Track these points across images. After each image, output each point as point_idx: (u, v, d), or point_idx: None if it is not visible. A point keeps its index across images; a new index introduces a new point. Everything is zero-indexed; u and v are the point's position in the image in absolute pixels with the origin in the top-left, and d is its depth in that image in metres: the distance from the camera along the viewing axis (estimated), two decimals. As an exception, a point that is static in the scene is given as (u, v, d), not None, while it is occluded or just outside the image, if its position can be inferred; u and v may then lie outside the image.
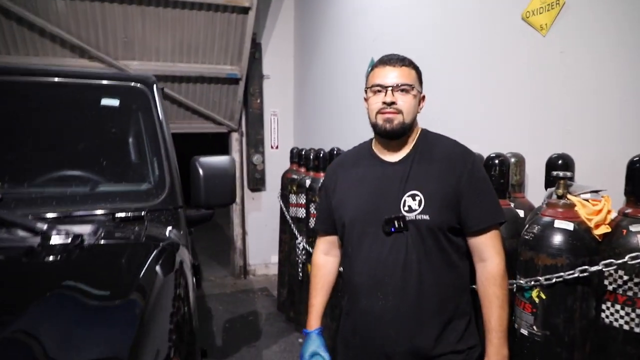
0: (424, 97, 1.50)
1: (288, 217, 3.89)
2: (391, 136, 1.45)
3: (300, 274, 3.56)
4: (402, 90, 1.41)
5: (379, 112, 1.43)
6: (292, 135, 5.45)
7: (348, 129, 3.98)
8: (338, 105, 4.20)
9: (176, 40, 4.36)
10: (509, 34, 2.19)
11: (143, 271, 1.17)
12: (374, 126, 1.47)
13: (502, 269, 1.42)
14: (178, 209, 1.64)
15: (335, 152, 3.31)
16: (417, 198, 1.40)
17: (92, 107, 1.76)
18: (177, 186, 1.68)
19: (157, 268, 1.22)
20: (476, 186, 1.42)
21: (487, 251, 1.42)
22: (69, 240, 1.24)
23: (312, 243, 3.37)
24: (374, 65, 1.49)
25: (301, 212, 3.68)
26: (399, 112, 1.41)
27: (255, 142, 5.23)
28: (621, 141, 1.70)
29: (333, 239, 1.66)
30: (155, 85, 1.89)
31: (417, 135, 1.50)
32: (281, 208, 4.11)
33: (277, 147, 5.43)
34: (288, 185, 3.93)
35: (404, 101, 1.41)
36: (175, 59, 4.46)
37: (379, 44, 3.47)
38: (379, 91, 1.42)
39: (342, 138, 3.93)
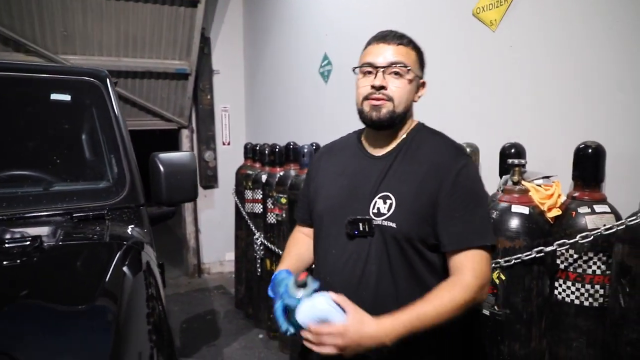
0: (424, 83, 1.32)
1: (244, 213, 3.85)
2: (378, 126, 1.25)
3: (259, 270, 3.54)
4: (396, 73, 1.21)
5: (366, 97, 1.23)
6: (244, 131, 5.39)
7: (302, 124, 3.99)
8: (291, 100, 4.20)
9: (121, 34, 4.18)
10: (460, 29, 2.28)
11: (113, 272, 1.13)
12: (360, 113, 1.27)
13: (470, 285, 1.12)
14: (140, 207, 1.59)
15: (291, 146, 3.31)
16: (389, 201, 1.20)
17: (42, 104, 1.66)
18: (137, 183, 1.62)
19: (126, 268, 1.18)
20: (458, 198, 1.18)
21: (462, 269, 1.15)
22: (27, 243, 1.17)
23: (270, 238, 3.36)
24: (368, 42, 1.29)
25: (258, 208, 3.66)
26: (389, 99, 1.21)
27: (207, 139, 5.13)
28: (567, 129, 1.81)
29: (311, 231, 1.45)
30: (108, 79, 1.81)
31: (411, 128, 1.31)
32: (236, 204, 4.06)
33: (228, 144, 5.35)
34: (243, 181, 3.89)
35: (397, 86, 1.22)
36: (120, 53, 4.28)
37: (331, 39, 3.50)
38: (369, 72, 1.23)
39: (296, 133, 3.93)
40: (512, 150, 1.85)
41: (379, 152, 1.30)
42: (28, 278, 1.05)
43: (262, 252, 3.51)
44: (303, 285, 1.15)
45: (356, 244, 1.22)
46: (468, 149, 1.99)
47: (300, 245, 1.47)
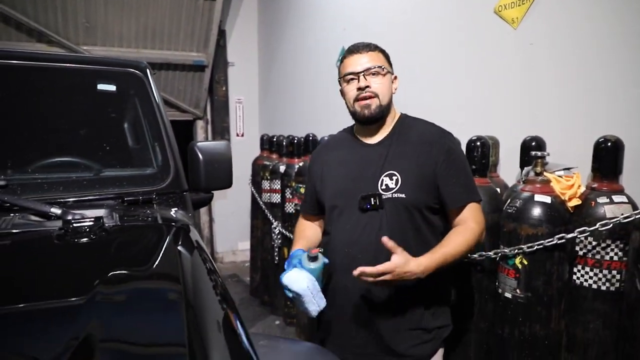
0: (396, 77, 1.55)
1: (261, 202, 3.95)
2: (371, 121, 1.49)
3: (277, 258, 3.64)
4: (374, 74, 1.45)
5: (356, 99, 1.47)
6: (258, 123, 5.48)
7: (320, 116, 4.07)
8: (308, 93, 4.28)
9: (140, 26, 4.27)
10: (481, 26, 2.36)
11: (173, 250, 1.22)
12: (353, 114, 1.52)
13: (475, 230, 1.43)
14: (184, 192, 1.68)
15: (310, 138, 3.40)
16: (394, 178, 1.45)
17: (89, 94, 1.75)
18: (181, 170, 1.71)
19: (183, 247, 1.27)
20: (453, 166, 1.46)
21: (466, 220, 1.46)
22: (92, 223, 1.27)
23: (288, 227, 3.46)
24: (342, 57, 1.53)
25: (275, 198, 3.75)
26: (375, 95, 1.45)
27: (221, 130, 5.22)
28: (584, 124, 1.90)
29: (316, 220, 1.70)
30: (148, 70, 1.90)
31: (396, 118, 1.56)
32: (253, 194, 4.15)
33: (242, 135, 5.44)
34: (260, 171, 3.98)
35: (378, 83, 1.46)
36: (139, 45, 4.37)
37: (349, 33, 3.57)
38: (352, 79, 1.47)
39: (313, 125, 4.02)
40: (533, 143, 1.94)
41: (374, 141, 1.54)
42: (105, 254, 1.15)
43: (279, 241, 3.61)
44: (315, 258, 1.38)
45: (368, 216, 1.46)
46: (490, 142, 2.08)
47: (308, 230, 1.69)
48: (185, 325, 0.88)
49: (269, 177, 3.82)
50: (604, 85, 1.82)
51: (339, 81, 1.53)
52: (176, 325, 0.88)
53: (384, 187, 1.45)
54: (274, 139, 4.04)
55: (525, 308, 1.67)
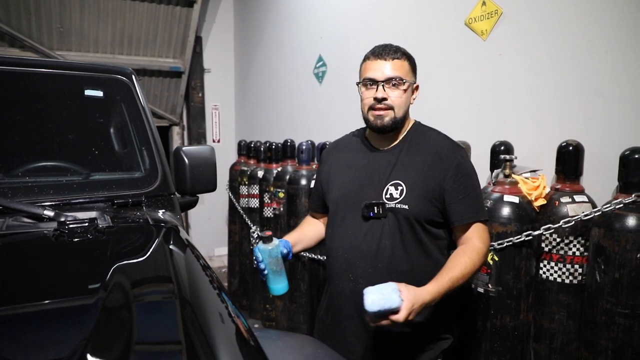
0: (417, 86, 1.50)
1: (239, 207, 3.99)
2: (382, 132, 1.46)
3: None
4: (395, 84, 1.40)
5: (370, 107, 1.43)
6: (234, 129, 5.52)
7: (297, 123, 4.15)
8: (285, 100, 4.35)
9: (117, 32, 4.26)
10: (453, 38, 2.49)
11: (168, 249, 1.27)
12: (366, 121, 1.48)
13: (481, 249, 1.37)
14: (171, 195, 1.73)
15: (288, 143, 3.47)
16: (400, 187, 1.41)
17: (77, 99, 1.77)
18: (168, 173, 1.76)
19: (177, 246, 1.32)
20: (461, 182, 1.41)
21: (472, 239, 1.40)
22: (86, 224, 1.31)
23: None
24: (366, 56, 1.47)
25: (253, 202, 3.80)
26: (390, 107, 1.41)
27: (198, 136, 5.23)
28: (549, 130, 2.04)
29: (322, 218, 1.68)
30: (133, 76, 1.94)
31: (409, 126, 1.52)
32: (230, 199, 4.19)
33: (218, 141, 5.46)
34: (238, 177, 4.02)
35: (396, 96, 1.41)
36: (115, 50, 4.36)
37: (326, 42, 3.67)
38: (371, 85, 1.42)
39: (291, 131, 4.09)
40: (502, 148, 2.07)
41: (385, 147, 1.52)
42: (101, 254, 1.19)
43: (258, 245, 3.65)
44: (269, 239, 1.47)
45: (370, 224, 1.44)
46: (462, 146, 2.20)
47: (307, 225, 1.71)
48: (181, 322, 0.89)
49: (246, 183, 3.87)
50: (567, 94, 1.97)
51: (357, 84, 1.48)
52: (171, 323, 0.90)
53: (388, 196, 1.42)
54: (252, 145, 4.09)
55: (497, 301, 1.78)
